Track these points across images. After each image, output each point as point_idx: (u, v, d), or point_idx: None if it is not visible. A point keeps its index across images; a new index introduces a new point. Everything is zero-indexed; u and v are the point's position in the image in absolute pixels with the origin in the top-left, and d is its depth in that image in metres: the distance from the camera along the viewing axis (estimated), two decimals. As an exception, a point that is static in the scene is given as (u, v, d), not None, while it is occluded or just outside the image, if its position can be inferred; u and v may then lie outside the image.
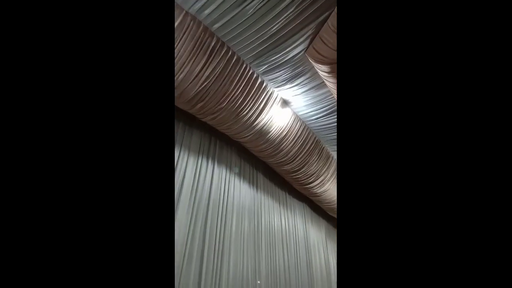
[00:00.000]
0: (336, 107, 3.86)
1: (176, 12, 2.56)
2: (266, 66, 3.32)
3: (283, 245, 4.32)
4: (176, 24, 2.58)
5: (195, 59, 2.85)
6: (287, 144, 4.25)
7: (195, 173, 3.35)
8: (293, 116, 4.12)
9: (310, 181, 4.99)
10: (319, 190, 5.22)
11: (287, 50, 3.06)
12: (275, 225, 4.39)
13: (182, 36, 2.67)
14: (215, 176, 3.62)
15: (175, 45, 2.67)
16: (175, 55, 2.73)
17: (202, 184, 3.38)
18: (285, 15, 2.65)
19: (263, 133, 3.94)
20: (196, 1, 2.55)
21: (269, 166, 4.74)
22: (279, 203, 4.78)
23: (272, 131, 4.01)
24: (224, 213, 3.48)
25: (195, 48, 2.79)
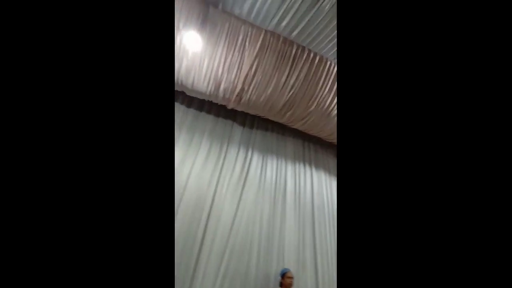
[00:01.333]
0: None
1: (256, 33, 2.75)
2: (353, 57, 3.05)
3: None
4: (258, 45, 2.77)
5: (279, 71, 2.95)
6: (391, 137, 3.70)
7: (295, 181, 3.41)
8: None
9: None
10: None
11: (376, 32, 2.71)
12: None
13: (265, 54, 2.83)
14: (315, 181, 3.57)
15: (259, 65, 2.86)
16: (260, 73, 2.92)
17: (303, 190, 3.40)
18: None
19: (360, 129, 3.59)
20: (273, 17, 2.65)
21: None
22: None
23: (371, 125, 3.59)
24: (330, 219, 3.35)
25: (278, 61, 2.90)
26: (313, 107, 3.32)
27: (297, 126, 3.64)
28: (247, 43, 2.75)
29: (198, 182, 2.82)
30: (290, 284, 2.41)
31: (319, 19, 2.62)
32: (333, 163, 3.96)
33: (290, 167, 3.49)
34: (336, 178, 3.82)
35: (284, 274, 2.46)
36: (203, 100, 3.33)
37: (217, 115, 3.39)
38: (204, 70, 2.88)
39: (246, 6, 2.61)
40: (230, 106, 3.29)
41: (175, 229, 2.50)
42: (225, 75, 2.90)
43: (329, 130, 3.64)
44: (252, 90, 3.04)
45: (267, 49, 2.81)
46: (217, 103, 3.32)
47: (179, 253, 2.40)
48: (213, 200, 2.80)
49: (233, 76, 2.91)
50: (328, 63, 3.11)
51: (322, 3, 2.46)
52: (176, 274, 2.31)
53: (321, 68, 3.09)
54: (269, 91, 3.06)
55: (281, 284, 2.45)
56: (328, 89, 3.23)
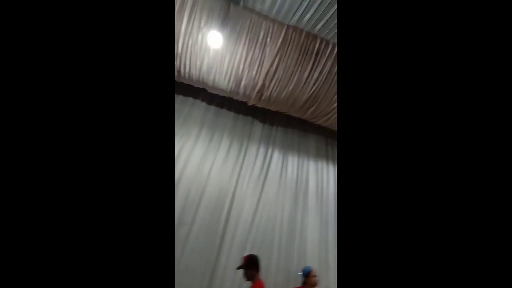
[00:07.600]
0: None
1: (278, 29, 2.70)
2: (380, 49, 2.88)
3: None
4: (279, 41, 2.72)
5: (301, 66, 2.89)
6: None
7: (317, 178, 3.36)
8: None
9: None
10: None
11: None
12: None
13: (287, 50, 2.78)
14: (338, 179, 3.47)
15: (280, 61, 2.81)
16: (282, 69, 2.88)
17: (326, 188, 3.34)
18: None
19: (387, 125, 3.41)
20: (295, 12, 2.59)
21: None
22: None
23: (399, 121, 3.39)
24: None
25: (300, 56, 2.83)
26: (336, 103, 3.22)
27: (320, 122, 3.56)
28: (268, 39, 2.72)
29: (219, 178, 2.89)
30: (316, 283, 2.40)
31: (344, 11, 2.51)
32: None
33: (312, 164, 3.44)
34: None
35: (309, 273, 2.45)
36: (224, 97, 3.37)
37: (238, 112, 3.42)
38: (225, 67, 2.90)
39: (268, 2, 2.57)
40: (250, 103, 3.30)
41: (197, 223, 2.60)
42: (246, 72, 2.91)
43: (353, 126, 3.51)
44: (273, 87, 3.02)
45: (289, 44, 2.75)
46: (238, 100, 3.34)
47: (201, 247, 2.50)
48: (233, 196, 2.86)
49: (254, 72, 2.90)
50: (353, 56, 2.98)
51: (348, -7, 2.35)
52: (197, 267, 2.41)
53: (345, 62, 2.97)
54: (291, 87, 3.01)
55: (305, 283, 2.43)
56: (353, 84, 3.10)
